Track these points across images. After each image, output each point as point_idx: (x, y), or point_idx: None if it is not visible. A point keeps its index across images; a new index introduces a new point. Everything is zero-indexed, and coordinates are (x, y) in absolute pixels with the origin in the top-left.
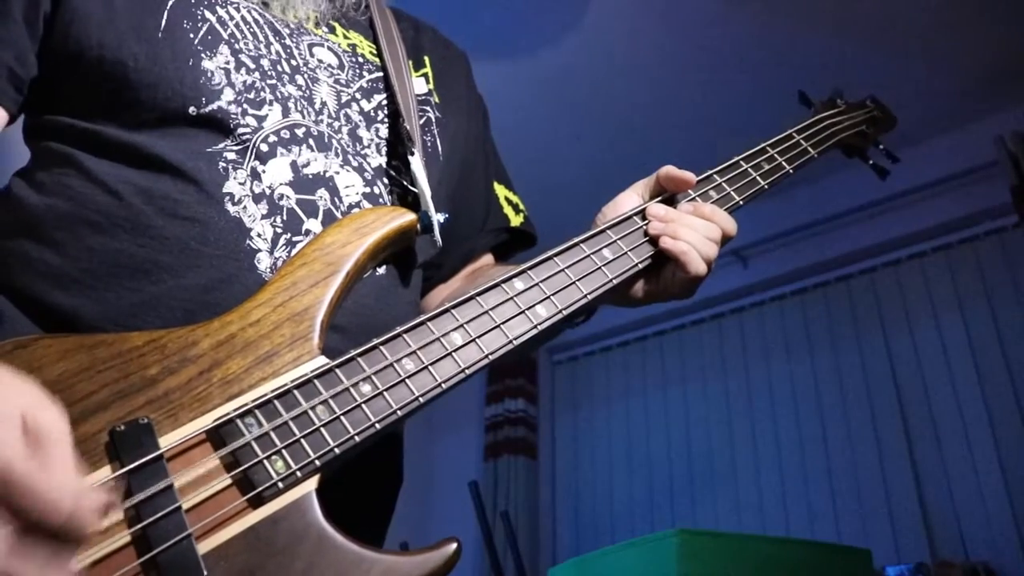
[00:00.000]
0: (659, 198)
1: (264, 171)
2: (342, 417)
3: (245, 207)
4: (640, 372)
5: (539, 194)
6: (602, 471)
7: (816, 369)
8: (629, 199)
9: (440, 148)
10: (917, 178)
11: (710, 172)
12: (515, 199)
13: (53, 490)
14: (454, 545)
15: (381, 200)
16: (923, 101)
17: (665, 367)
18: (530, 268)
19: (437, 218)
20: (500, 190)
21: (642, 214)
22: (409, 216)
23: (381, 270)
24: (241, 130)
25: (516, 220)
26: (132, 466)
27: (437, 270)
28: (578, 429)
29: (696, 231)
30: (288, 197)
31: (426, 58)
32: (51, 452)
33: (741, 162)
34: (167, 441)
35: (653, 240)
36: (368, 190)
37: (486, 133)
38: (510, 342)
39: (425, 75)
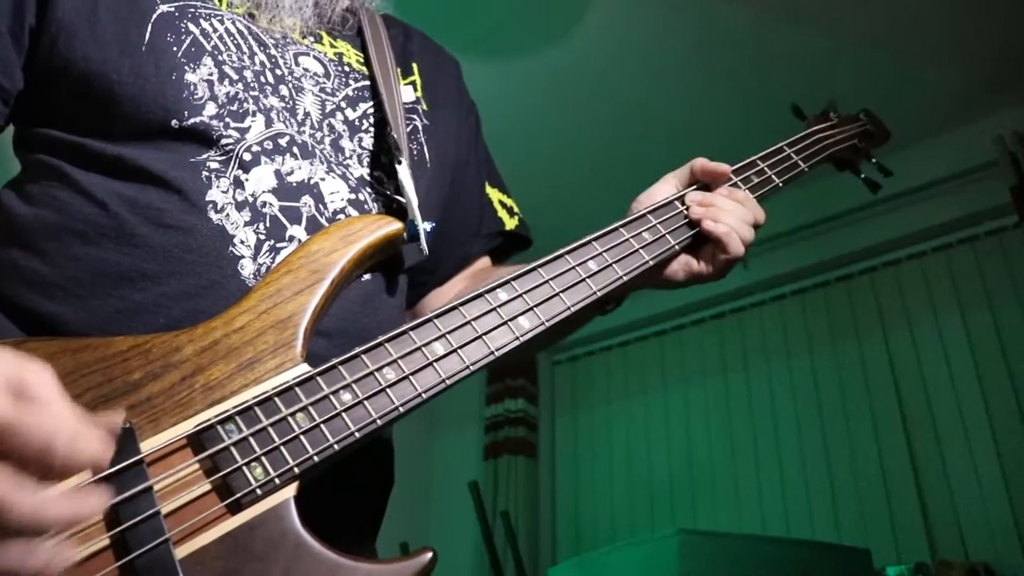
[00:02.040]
0: (693, 187)
1: (247, 179)
2: (322, 425)
3: (228, 215)
4: (640, 372)
5: (539, 194)
6: (602, 471)
7: (816, 369)
8: (664, 188)
9: (427, 155)
10: (917, 178)
11: (697, 186)
12: (509, 202)
13: (47, 424)
14: (429, 554)
15: (366, 207)
16: (923, 101)
17: (665, 367)
18: (514, 279)
19: (424, 227)
20: (494, 194)
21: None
22: (396, 224)
23: (367, 276)
24: (224, 141)
25: (511, 223)
26: (112, 470)
27: (431, 275)
28: (578, 429)
29: (735, 215)
30: (271, 204)
31: (414, 65)
32: (39, 397)
33: (731, 175)
34: (148, 446)
35: (688, 224)
36: (353, 196)
37: (478, 138)
38: (491, 353)
39: (413, 83)
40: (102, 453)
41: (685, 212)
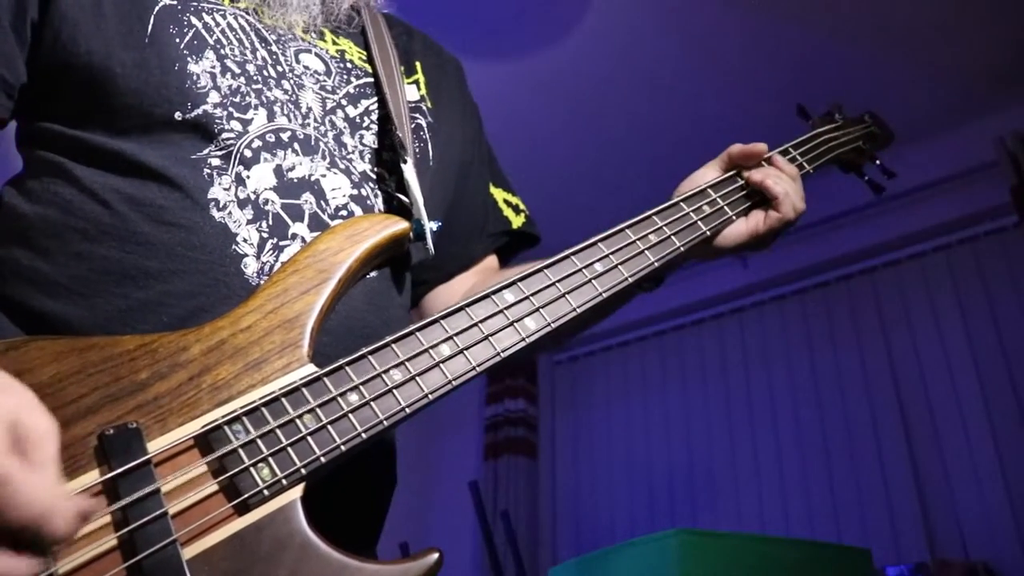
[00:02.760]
0: (727, 174)
1: (249, 176)
2: (329, 426)
3: (230, 212)
4: (640, 372)
5: (537, 194)
6: (602, 471)
7: (816, 369)
8: (706, 173)
9: (431, 154)
10: (917, 178)
11: (703, 186)
12: (515, 200)
13: (29, 486)
14: (435, 555)
15: (369, 202)
16: (923, 101)
17: (665, 367)
18: (521, 280)
19: (430, 226)
20: (498, 193)
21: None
22: (402, 224)
23: (373, 274)
24: (225, 135)
25: (517, 221)
26: (120, 470)
27: (435, 273)
28: (578, 429)
29: (791, 183)
30: (273, 202)
31: (418, 64)
32: (35, 454)
33: (738, 177)
34: (155, 446)
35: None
36: (356, 192)
37: (481, 138)
38: (498, 354)
39: (416, 82)
40: (61, 536)
41: (693, 212)
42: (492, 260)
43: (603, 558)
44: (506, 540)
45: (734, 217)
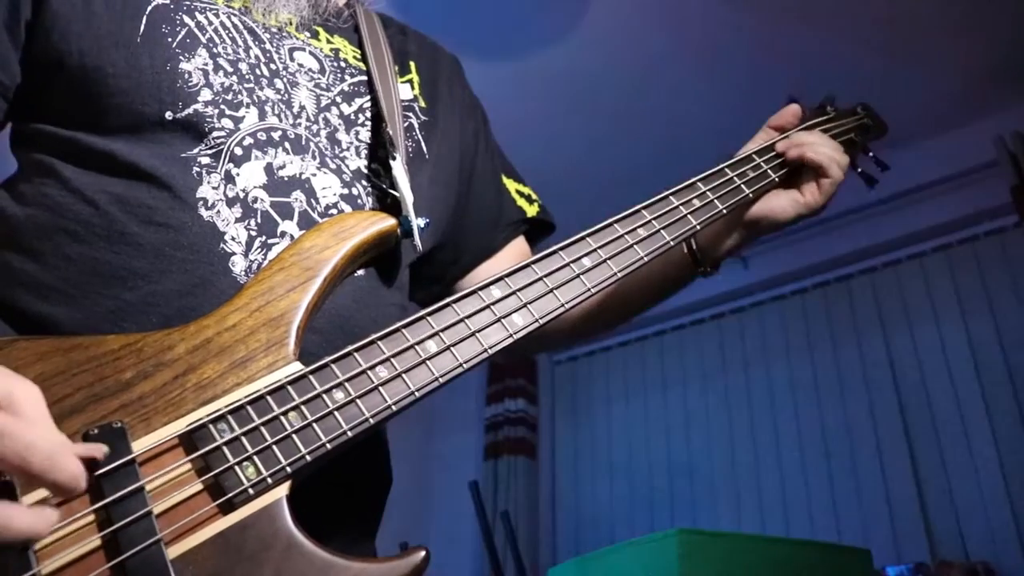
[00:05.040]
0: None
1: (238, 174)
2: (314, 424)
3: (219, 211)
4: (640, 372)
5: (537, 194)
6: (602, 471)
7: (816, 369)
8: (751, 145)
9: (426, 149)
10: (917, 178)
11: (694, 180)
12: (527, 190)
13: (31, 435)
14: (422, 553)
15: (359, 201)
16: (923, 101)
17: (665, 367)
18: (508, 275)
19: (417, 223)
20: (510, 184)
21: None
22: (389, 221)
23: (360, 272)
24: (216, 134)
25: (532, 210)
26: (104, 470)
27: (453, 266)
28: (578, 429)
29: (826, 144)
30: (262, 200)
31: (412, 64)
32: (27, 411)
33: (727, 170)
34: (140, 445)
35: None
36: (346, 191)
37: (486, 132)
38: (485, 351)
39: (410, 81)
40: (75, 476)
41: (683, 205)
42: (522, 247)
43: (603, 558)
44: (506, 540)
45: (776, 179)
